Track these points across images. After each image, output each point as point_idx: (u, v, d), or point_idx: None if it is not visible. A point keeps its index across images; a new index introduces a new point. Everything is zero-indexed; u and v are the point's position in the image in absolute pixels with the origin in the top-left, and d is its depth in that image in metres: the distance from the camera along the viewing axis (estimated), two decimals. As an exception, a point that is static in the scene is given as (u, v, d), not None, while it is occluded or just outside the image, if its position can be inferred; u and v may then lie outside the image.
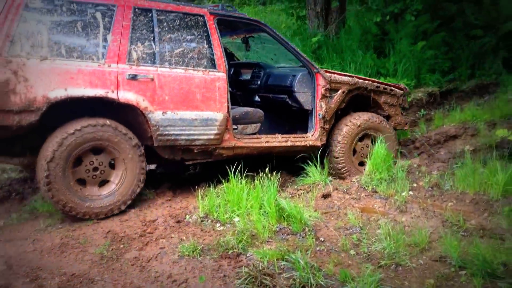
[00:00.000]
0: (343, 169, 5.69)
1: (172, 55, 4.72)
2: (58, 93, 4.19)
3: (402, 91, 6.26)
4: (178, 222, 4.43)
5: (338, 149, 5.68)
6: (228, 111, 4.97)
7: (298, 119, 5.92)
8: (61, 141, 4.25)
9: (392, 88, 6.17)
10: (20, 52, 4.09)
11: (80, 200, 4.40)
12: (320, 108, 5.56)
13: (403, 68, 8.45)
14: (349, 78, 5.76)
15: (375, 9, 8.05)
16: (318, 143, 5.58)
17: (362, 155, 5.84)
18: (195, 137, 4.84)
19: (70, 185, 4.35)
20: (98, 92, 4.35)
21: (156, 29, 4.66)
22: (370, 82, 5.98)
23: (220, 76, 4.91)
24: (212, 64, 4.90)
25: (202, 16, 4.93)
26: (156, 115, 4.60)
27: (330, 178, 5.47)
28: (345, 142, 5.69)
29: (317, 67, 5.62)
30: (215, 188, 4.86)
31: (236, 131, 5.24)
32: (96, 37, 4.41)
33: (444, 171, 5.51)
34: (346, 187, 5.22)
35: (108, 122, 4.46)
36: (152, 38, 4.65)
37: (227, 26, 5.52)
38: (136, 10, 4.61)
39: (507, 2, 10.03)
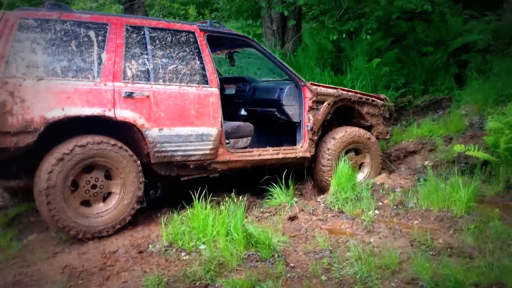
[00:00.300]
0: (328, 181, 5.64)
1: (166, 72, 4.77)
2: (56, 113, 4.17)
3: (382, 101, 6.42)
4: (141, 252, 4.21)
5: (325, 161, 5.79)
6: (221, 126, 5.04)
7: (285, 132, 6.05)
8: (61, 158, 4.20)
9: (374, 98, 6.32)
10: (15, 73, 4.06)
11: (87, 219, 4.38)
12: (308, 120, 5.68)
13: (360, 85, 8.56)
14: (334, 90, 5.91)
15: (331, 27, 8.14)
16: (308, 154, 5.70)
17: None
18: (191, 152, 4.88)
19: (76, 206, 4.33)
20: (96, 110, 4.35)
21: (149, 47, 4.71)
22: (353, 93, 6.11)
23: (213, 91, 4.98)
24: (205, 80, 4.97)
25: (193, 32, 4.99)
26: (153, 132, 4.63)
27: (295, 199, 5.39)
28: (332, 154, 5.82)
29: (303, 80, 5.73)
30: (178, 215, 4.67)
31: (229, 145, 5.31)
32: (91, 56, 4.42)
33: (407, 188, 5.55)
34: (312, 208, 5.15)
35: (105, 139, 4.44)
36: (145, 56, 4.69)
37: (214, 41, 5.52)
38: (129, 28, 4.64)
39: (454, 19, 10.39)
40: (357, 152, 6.13)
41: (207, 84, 4.96)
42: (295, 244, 4.30)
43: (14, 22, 4.12)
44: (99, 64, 4.44)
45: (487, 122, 7.47)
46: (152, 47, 4.73)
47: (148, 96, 4.60)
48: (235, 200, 4.55)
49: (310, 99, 5.66)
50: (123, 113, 4.48)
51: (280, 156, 5.53)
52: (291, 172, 5.58)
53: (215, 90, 4.99)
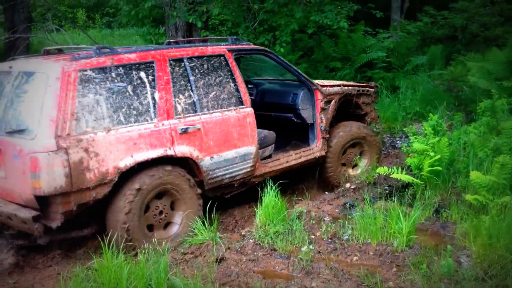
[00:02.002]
0: (332, 177, 6.14)
1: (208, 100, 4.83)
2: (127, 161, 4.21)
3: (373, 89, 6.74)
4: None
5: (330, 156, 6.09)
6: (257, 142, 5.22)
7: (291, 131, 6.31)
8: (135, 192, 4.27)
9: (368, 88, 6.63)
10: (86, 128, 4.05)
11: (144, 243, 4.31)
12: (321, 121, 5.94)
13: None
14: (338, 88, 6.17)
15: (246, 40, 7.66)
16: (323, 153, 5.98)
17: (350, 162, 6.39)
18: (236, 173, 5.07)
19: (144, 232, 4.40)
20: (159, 152, 4.42)
21: (191, 78, 4.73)
22: (352, 87, 6.38)
23: (248, 111, 5.12)
24: (240, 101, 5.07)
25: (223, 55, 5.02)
26: (206, 161, 4.76)
27: (218, 234, 4.74)
28: (336, 151, 6.13)
29: (315, 84, 5.93)
30: (82, 265, 3.80)
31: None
32: (146, 97, 4.42)
33: (335, 217, 5.17)
34: (239, 244, 4.54)
35: (172, 167, 4.54)
36: (189, 87, 4.72)
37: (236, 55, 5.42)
38: (171, 62, 4.64)
39: (357, 36, 10.50)
40: (356, 144, 6.41)
41: (242, 104, 5.08)
42: (229, 297, 3.66)
43: (75, 76, 4.04)
44: (154, 104, 4.46)
45: (402, 142, 7.49)
46: (193, 77, 4.75)
47: (199, 129, 4.69)
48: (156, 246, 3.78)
49: (321, 101, 5.92)
50: (181, 149, 4.58)
51: (303, 159, 5.79)
52: (209, 202, 4.93)
53: (250, 110, 5.14)
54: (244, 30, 7.59)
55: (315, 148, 5.92)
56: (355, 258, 4.29)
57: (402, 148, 6.49)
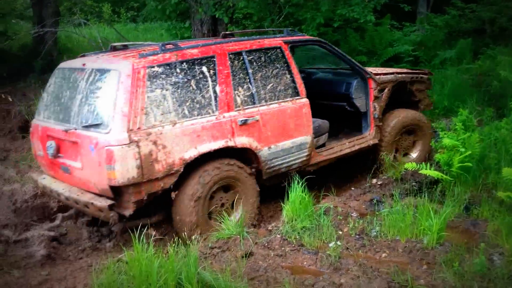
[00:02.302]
0: (385, 164, 6.09)
1: (266, 91, 4.94)
2: (191, 152, 4.38)
3: (427, 76, 6.66)
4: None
5: (383, 143, 6.13)
6: (313, 132, 5.33)
7: (341, 119, 6.37)
8: (200, 187, 4.49)
9: (422, 75, 6.58)
10: (154, 122, 4.21)
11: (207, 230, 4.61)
12: (374, 109, 6.00)
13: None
14: (392, 76, 6.18)
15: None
16: (376, 140, 6.04)
17: (403, 149, 6.42)
18: (293, 162, 5.20)
19: (208, 221, 4.64)
20: (220, 143, 4.57)
21: (249, 70, 4.84)
22: (405, 74, 6.37)
23: (304, 102, 5.23)
24: (296, 92, 5.18)
25: (279, 47, 5.13)
26: (264, 152, 4.90)
27: (246, 229, 4.74)
28: (390, 138, 6.18)
29: (369, 72, 5.95)
30: (113, 258, 3.85)
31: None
32: (208, 91, 4.55)
33: (362, 213, 5.12)
34: (266, 240, 4.53)
35: (233, 161, 4.72)
36: (248, 80, 4.83)
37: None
38: (231, 56, 4.75)
39: (384, 29, 10.36)
40: (410, 132, 6.45)
41: (298, 95, 5.19)
42: (258, 292, 3.66)
43: (144, 73, 4.20)
44: (215, 97, 4.58)
45: (439, 137, 7.37)
46: (252, 70, 4.86)
47: (257, 120, 4.81)
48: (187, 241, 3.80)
49: (374, 89, 5.95)
50: (241, 140, 4.71)
51: (356, 147, 5.88)
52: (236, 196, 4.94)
53: (305, 100, 5.23)
54: (269, 23, 7.54)
55: (368, 136, 6.02)
56: (384, 254, 4.24)
57: (431, 144, 6.38)
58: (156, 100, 4.26)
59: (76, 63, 4.86)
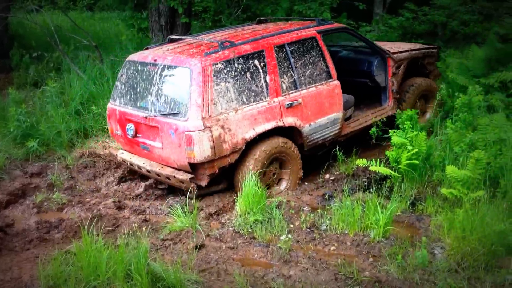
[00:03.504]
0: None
1: (305, 77, 5.70)
2: (250, 133, 5.21)
3: (436, 49, 7.53)
4: (11, 303, 3.28)
5: (404, 106, 6.90)
6: (343, 108, 6.07)
7: (359, 93, 6.91)
8: (262, 158, 5.29)
9: (432, 50, 7.42)
10: (221, 110, 5.01)
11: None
12: (392, 84, 6.77)
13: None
14: (407, 53, 6.96)
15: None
16: (394, 111, 6.67)
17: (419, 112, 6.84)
18: (328, 135, 6.02)
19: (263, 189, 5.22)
20: (272, 124, 5.37)
21: (291, 60, 5.58)
22: (418, 50, 7.18)
23: (336, 83, 5.97)
24: (329, 75, 5.94)
25: (314, 37, 5.85)
26: (305, 128, 5.71)
27: (198, 221, 4.76)
28: (409, 103, 6.92)
29: (387, 52, 6.69)
30: (61, 250, 3.78)
31: None
32: (260, 80, 5.32)
33: (315, 207, 5.24)
34: (219, 232, 4.58)
35: (279, 141, 5.47)
36: (290, 69, 5.58)
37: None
38: (276, 48, 5.48)
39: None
40: (424, 97, 7.24)
41: (331, 78, 5.94)
42: (209, 283, 3.70)
43: (211, 70, 4.97)
44: (266, 85, 5.35)
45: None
46: (293, 59, 5.59)
47: (300, 103, 5.57)
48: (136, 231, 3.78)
49: (392, 67, 6.70)
50: (288, 120, 5.51)
51: (378, 118, 6.50)
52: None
53: (337, 82, 5.97)
54: (227, 17, 7.54)
55: (387, 108, 6.78)
56: (332, 248, 4.36)
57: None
58: (221, 92, 5.03)
59: (145, 57, 5.55)
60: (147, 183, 5.80)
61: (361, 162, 5.89)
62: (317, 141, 5.93)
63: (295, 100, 5.56)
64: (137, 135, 5.46)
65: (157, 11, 8.75)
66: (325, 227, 4.72)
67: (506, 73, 6.84)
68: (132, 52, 8.43)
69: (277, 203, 5.09)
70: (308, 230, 4.67)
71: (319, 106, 5.81)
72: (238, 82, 5.17)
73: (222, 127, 5.00)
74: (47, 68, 8.78)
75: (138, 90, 5.46)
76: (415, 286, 3.66)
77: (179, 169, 5.17)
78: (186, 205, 4.82)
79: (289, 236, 4.53)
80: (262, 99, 5.31)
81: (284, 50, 5.56)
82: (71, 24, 10.20)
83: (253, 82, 5.27)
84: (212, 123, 4.94)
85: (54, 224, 4.70)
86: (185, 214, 4.73)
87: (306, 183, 6.09)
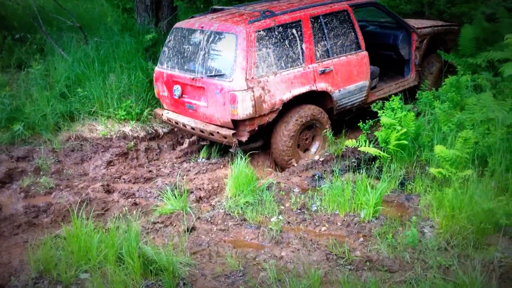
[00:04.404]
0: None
1: (337, 47, 6.20)
2: (287, 95, 5.70)
3: (457, 27, 7.99)
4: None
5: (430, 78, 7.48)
6: (370, 77, 6.58)
7: (384, 65, 7.35)
8: (297, 120, 5.83)
9: (453, 26, 7.96)
10: (262, 73, 5.52)
11: (299, 158, 6.02)
12: (415, 57, 7.26)
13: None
14: (430, 29, 7.45)
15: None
16: (416, 83, 7.28)
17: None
18: (355, 101, 6.51)
19: (297, 150, 6.02)
20: (306, 88, 5.88)
21: (325, 30, 6.07)
22: (440, 27, 7.71)
23: (364, 54, 6.47)
24: (358, 46, 6.42)
25: (346, 10, 6.33)
26: (335, 94, 6.20)
27: (188, 204, 4.74)
28: (434, 77, 7.55)
29: (412, 27, 7.19)
30: (50, 235, 3.74)
31: None
32: (297, 48, 5.83)
33: (305, 188, 5.24)
34: (209, 215, 4.56)
35: (313, 106, 6.01)
36: (324, 38, 6.07)
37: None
38: (311, 19, 5.97)
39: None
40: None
41: (360, 49, 6.43)
42: (201, 265, 3.69)
43: (254, 36, 5.47)
44: (302, 53, 5.85)
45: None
46: (327, 30, 6.08)
47: (332, 70, 6.08)
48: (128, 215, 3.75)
49: (416, 41, 7.19)
50: (321, 85, 6.02)
51: (400, 88, 7.03)
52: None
53: (365, 53, 6.47)
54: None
55: (410, 79, 7.27)
56: (323, 228, 4.38)
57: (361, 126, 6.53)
58: (263, 57, 5.53)
59: (192, 24, 6.04)
60: (191, 139, 6.51)
61: (351, 143, 5.91)
62: (345, 106, 6.44)
63: (327, 67, 6.07)
64: (183, 95, 5.95)
65: (143, -10, 8.57)
66: (315, 208, 4.74)
67: (493, 52, 6.83)
68: (117, 34, 8.37)
69: (267, 185, 5.09)
70: (298, 211, 4.68)
71: (349, 74, 6.32)
72: (277, 49, 5.67)
73: (263, 88, 5.50)
74: (30, 49, 8.58)
75: (185, 54, 5.95)
76: (406, 265, 3.69)
77: (222, 126, 5.67)
78: (176, 189, 4.77)
79: (280, 217, 4.54)
80: (298, 65, 5.81)
81: (319, 21, 6.05)
82: (54, 4, 9.95)
83: (290, 49, 5.77)
84: (254, 84, 5.45)
85: (42, 208, 4.66)
86: (175, 197, 4.70)
87: (295, 164, 6.10)
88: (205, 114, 5.78)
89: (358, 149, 5.82)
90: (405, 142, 5.47)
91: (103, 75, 7.36)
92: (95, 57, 7.58)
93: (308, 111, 5.96)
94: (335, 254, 3.85)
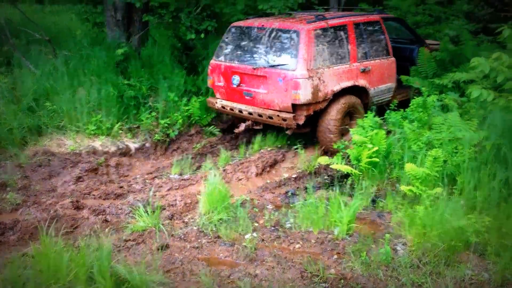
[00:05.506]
0: None
1: (372, 50, 7.14)
2: (336, 87, 6.55)
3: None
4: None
5: None
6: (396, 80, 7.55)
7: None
8: (342, 108, 6.65)
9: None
10: (318, 65, 6.36)
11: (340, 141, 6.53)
12: None
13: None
14: (437, 46, 8.50)
15: (188, 25, 7.48)
16: None
17: None
18: (385, 99, 7.43)
19: (338, 133, 6.67)
20: (351, 82, 6.76)
21: (364, 36, 7.04)
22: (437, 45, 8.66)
23: (392, 60, 7.44)
24: (388, 52, 7.39)
25: (378, 21, 7.35)
26: (372, 90, 7.12)
27: (161, 220, 4.66)
28: None
29: (426, 43, 8.32)
30: (22, 254, 3.60)
31: None
32: (344, 47, 6.74)
33: (278, 205, 5.25)
34: (183, 232, 4.50)
35: (354, 98, 6.86)
36: (364, 42, 7.01)
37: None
38: (354, 25, 6.94)
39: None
40: None
41: (389, 55, 7.40)
42: (174, 284, 3.63)
43: (313, 34, 6.36)
44: (348, 52, 6.76)
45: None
46: (366, 35, 7.06)
47: (370, 70, 7.01)
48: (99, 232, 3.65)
49: None
50: (361, 82, 6.91)
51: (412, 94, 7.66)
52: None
53: (393, 59, 7.45)
54: (187, 14, 7.42)
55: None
56: (297, 245, 4.38)
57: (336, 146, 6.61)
58: (320, 52, 6.40)
59: (251, 23, 6.94)
60: (247, 123, 7.09)
61: (323, 160, 5.98)
62: (377, 102, 7.29)
63: (367, 67, 6.98)
64: (241, 84, 6.73)
65: (113, 6, 8.49)
66: (289, 225, 4.73)
67: (459, 74, 7.06)
68: (87, 47, 8.26)
69: (241, 202, 5.07)
70: (272, 228, 4.67)
71: (381, 75, 7.26)
72: (330, 46, 6.55)
73: (319, 78, 6.33)
74: (-4, 62, 8.37)
75: (245, 48, 6.82)
76: (379, 282, 3.72)
77: (280, 111, 6.43)
78: (149, 205, 4.69)
79: (254, 234, 4.52)
80: (345, 63, 6.70)
81: (360, 27, 7.00)
82: (21, 17, 9.76)
83: (339, 48, 6.67)
84: (313, 74, 6.27)
85: (8, 225, 4.48)
86: (148, 214, 4.61)
87: (268, 181, 6.10)
88: (264, 100, 6.56)
89: (331, 166, 5.88)
90: (376, 160, 5.56)
91: (73, 89, 7.24)
92: (64, 71, 7.45)
93: (353, 99, 6.82)
94: (310, 272, 3.85)
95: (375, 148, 5.62)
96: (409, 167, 5.11)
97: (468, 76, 6.84)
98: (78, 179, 5.87)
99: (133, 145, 7.08)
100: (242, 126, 7.05)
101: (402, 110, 6.58)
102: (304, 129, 6.71)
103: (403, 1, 12.41)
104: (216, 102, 7.12)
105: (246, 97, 6.75)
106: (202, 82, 8.17)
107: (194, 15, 7.56)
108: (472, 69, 6.08)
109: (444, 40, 8.38)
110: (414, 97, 7.11)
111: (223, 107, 7.03)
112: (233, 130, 7.94)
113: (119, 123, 7.15)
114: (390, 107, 6.67)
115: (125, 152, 6.92)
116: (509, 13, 4.92)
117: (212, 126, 7.66)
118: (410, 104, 6.63)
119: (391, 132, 6.29)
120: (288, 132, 6.67)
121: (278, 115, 6.41)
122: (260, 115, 6.60)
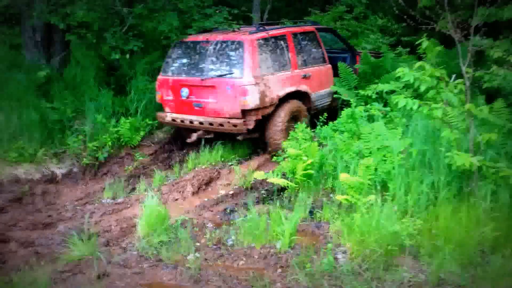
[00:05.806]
0: None
1: (310, 58, 7.73)
2: (281, 92, 7.06)
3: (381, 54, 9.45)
4: None
5: None
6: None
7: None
8: (288, 112, 7.12)
9: (381, 55, 9.18)
10: (264, 72, 6.85)
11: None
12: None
13: (144, 106, 7.95)
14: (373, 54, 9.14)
15: (114, 45, 7.29)
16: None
17: None
18: (324, 103, 7.98)
19: (286, 135, 6.95)
20: (294, 88, 7.29)
21: (302, 44, 7.62)
22: (375, 53, 9.30)
23: (328, 67, 8.06)
24: (324, 60, 8.01)
25: (314, 32, 7.98)
26: (313, 95, 7.64)
27: (98, 247, 4.45)
28: None
29: (358, 51, 9.06)
30: None
31: None
32: (285, 56, 7.28)
33: (218, 223, 5.20)
34: (122, 258, 4.33)
35: (298, 102, 7.35)
36: (302, 51, 7.58)
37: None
38: (292, 36, 7.49)
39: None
40: None
41: (325, 62, 8.03)
42: (118, 315, 3.46)
43: (256, 43, 6.83)
44: (289, 60, 7.28)
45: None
46: (303, 44, 7.64)
47: (310, 76, 7.55)
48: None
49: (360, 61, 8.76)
50: (303, 87, 7.44)
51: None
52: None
53: (329, 66, 8.07)
54: (112, 34, 7.25)
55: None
56: (241, 262, 4.35)
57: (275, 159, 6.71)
58: (263, 60, 6.85)
59: (195, 38, 7.34)
60: (198, 133, 7.14)
61: (259, 175, 6.01)
62: (318, 106, 7.81)
63: (307, 73, 7.51)
64: (190, 96, 6.99)
65: (32, 27, 8.12)
66: (231, 242, 4.70)
67: (381, 85, 7.43)
68: (5, 71, 7.80)
69: (180, 222, 4.97)
70: (215, 247, 4.62)
71: (321, 81, 7.82)
72: (272, 55, 7.03)
73: (265, 84, 6.75)
74: None
75: (192, 62, 7.13)
76: (325, 292, 3.78)
77: (230, 118, 6.73)
78: (82, 232, 4.47)
79: (197, 254, 4.44)
80: (287, 70, 7.21)
81: (297, 37, 7.57)
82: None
83: (281, 56, 7.18)
84: (259, 80, 6.68)
85: None
86: (82, 242, 4.40)
87: (205, 199, 6.04)
88: (214, 109, 6.85)
89: (267, 180, 5.93)
90: (311, 172, 5.68)
91: (-9, 115, 6.80)
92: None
93: (296, 104, 7.27)
94: (257, 288, 3.83)
95: (310, 161, 5.74)
96: (343, 177, 5.24)
97: (389, 87, 7.22)
98: (1, 210, 5.51)
99: (59, 170, 6.76)
100: (194, 136, 7.19)
101: (331, 122, 6.86)
102: (254, 134, 7.04)
103: (322, 17, 12.94)
104: (166, 116, 7.30)
105: (196, 108, 7.01)
106: (131, 103, 7.98)
107: (120, 35, 7.39)
108: (397, 79, 6.41)
109: (364, 53, 8.78)
110: (342, 107, 7.51)
111: (173, 120, 7.22)
112: (165, 149, 7.83)
113: (43, 149, 6.80)
114: (320, 120, 6.86)
115: (51, 179, 6.59)
116: (423, 25, 5.25)
117: (139, 153, 7.48)
118: (339, 116, 6.88)
119: (321, 145, 6.46)
120: (239, 137, 6.97)
121: (228, 122, 6.71)
122: (211, 124, 6.87)
